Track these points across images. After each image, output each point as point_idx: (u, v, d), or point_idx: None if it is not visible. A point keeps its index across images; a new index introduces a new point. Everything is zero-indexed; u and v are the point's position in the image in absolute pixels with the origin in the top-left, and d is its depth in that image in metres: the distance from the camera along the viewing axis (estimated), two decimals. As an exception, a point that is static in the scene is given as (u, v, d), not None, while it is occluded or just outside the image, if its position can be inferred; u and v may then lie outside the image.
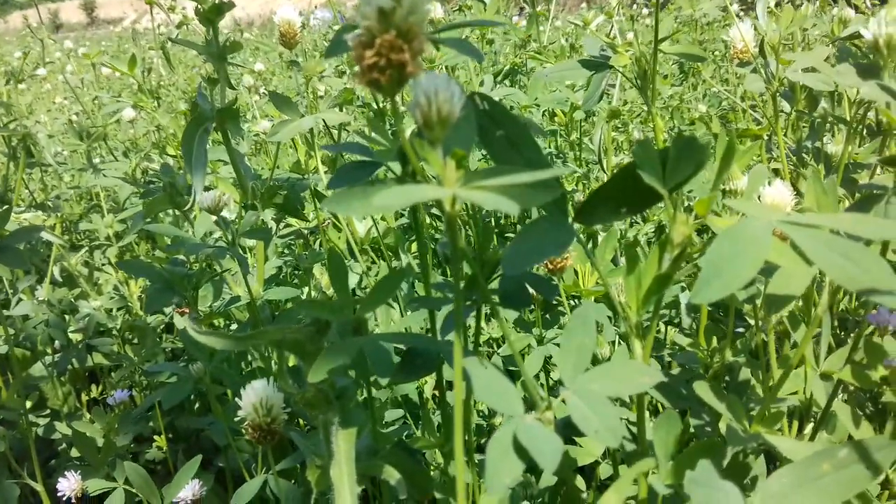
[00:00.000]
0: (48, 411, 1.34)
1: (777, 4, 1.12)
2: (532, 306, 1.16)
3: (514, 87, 1.74)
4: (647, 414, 0.95)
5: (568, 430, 0.52)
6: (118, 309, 1.54)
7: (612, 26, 2.06)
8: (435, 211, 1.46)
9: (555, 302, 1.22)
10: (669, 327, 1.22)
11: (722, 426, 0.65)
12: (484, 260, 0.59)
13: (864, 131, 1.06)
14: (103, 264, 1.79)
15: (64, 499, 1.00)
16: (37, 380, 1.31)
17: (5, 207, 0.96)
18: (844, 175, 0.96)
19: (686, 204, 0.74)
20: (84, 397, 1.46)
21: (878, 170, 0.99)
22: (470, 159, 1.66)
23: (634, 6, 4.17)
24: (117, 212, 1.89)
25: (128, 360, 1.39)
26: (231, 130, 0.90)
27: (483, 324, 1.24)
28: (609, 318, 1.10)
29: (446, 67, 1.45)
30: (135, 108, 1.90)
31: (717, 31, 3.07)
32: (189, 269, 1.05)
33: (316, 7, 2.98)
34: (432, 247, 1.19)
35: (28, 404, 1.30)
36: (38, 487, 0.99)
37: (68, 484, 1.00)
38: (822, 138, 1.12)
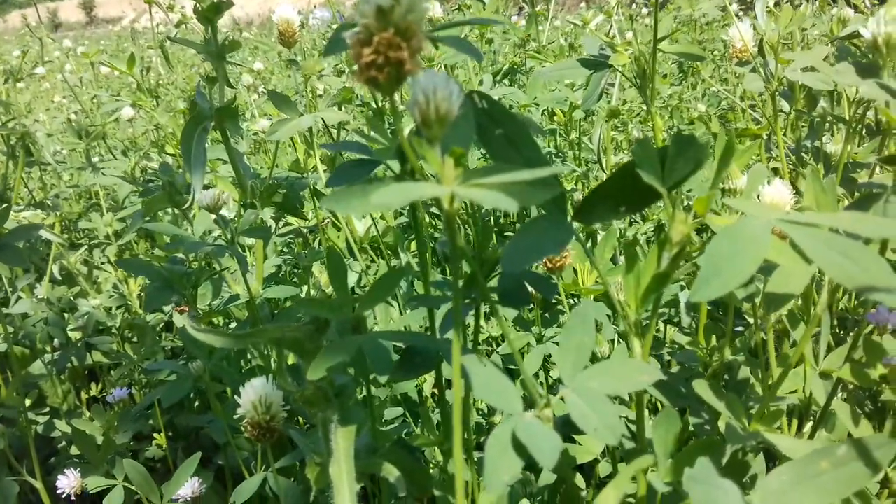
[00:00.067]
0: (48, 409, 1.34)
1: (776, 4, 1.11)
2: (531, 305, 1.16)
3: (513, 87, 1.74)
4: (646, 412, 0.95)
5: (567, 429, 0.52)
6: (117, 307, 1.54)
7: (612, 26, 2.06)
8: (435, 210, 1.46)
9: (554, 301, 1.22)
10: (669, 326, 1.22)
11: (721, 424, 0.65)
12: (483, 258, 0.59)
13: (864, 131, 1.06)
14: (102, 263, 1.79)
15: (63, 496, 1.00)
16: (36, 378, 1.31)
17: (4, 206, 0.96)
18: (844, 174, 0.96)
19: (686, 203, 0.74)
20: (84, 395, 1.46)
21: (878, 169, 0.99)
22: (469, 158, 1.66)
23: (633, 6, 4.18)
24: (116, 210, 1.89)
25: (127, 359, 1.39)
26: (230, 129, 0.90)
27: (483, 322, 1.24)
28: (608, 316, 1.11)
29: (445, 66, 1.45)
30: (134, 106, 1.90)
31: (717, 30, 3.07)
32: (188, 267, 1.04)
33: (315, 6, 2.98)
34: (432, 245, 1.20)
35: (27, 402, 1.30)
36: (38, 485, 0.99)
37: (68, 481, 1.00)
38: (821, 137, 1.12)
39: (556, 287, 0.99)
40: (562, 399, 0.46)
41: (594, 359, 0.98)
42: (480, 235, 0.62)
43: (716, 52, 2.89)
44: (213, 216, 0.93)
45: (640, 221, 1.55)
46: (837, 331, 0.92)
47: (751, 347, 0.82)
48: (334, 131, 1.42)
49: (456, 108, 0.38)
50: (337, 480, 0.50)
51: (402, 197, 0.35)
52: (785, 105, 1.14)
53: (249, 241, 1.37)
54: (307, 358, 0.51)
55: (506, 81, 1.95)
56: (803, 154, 1.18)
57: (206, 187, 0.94)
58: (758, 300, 0.67)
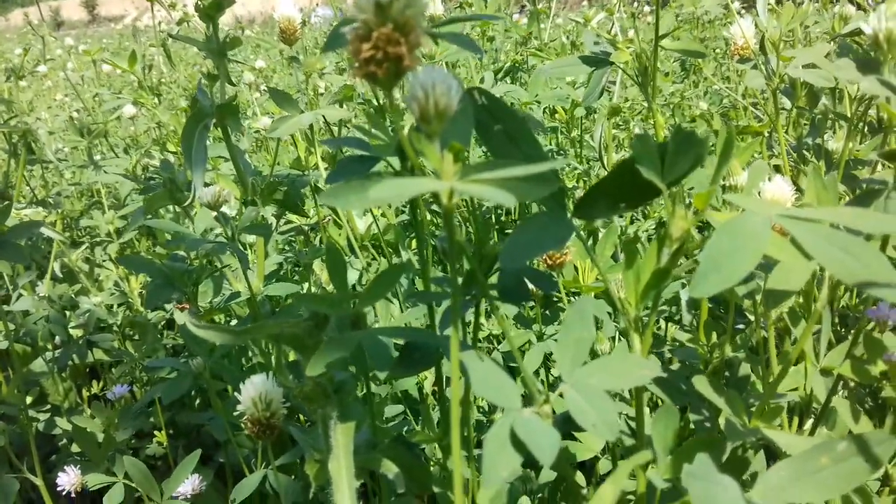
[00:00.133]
0: (49, 407, 1.34)
1: (778, 2, 1.11)
2: (532, 302, 1.16)
3: (514, 85, 1.74)
4: (646, 409, 0.95)
5: (567, 426, 0.52)
6: (119, 305, 1.54)
7: (614, 23, 2.05)
8: (435, 208, 1.46)
9: (555, 298, 1.22)
10: (670, 324, 1.22)
11: (721, 421, 0.65)
12: (483, 254, 0.59)
13: (865, 128, 1.06)
14: (104, 260, 1.79)
15: (63, 493, 1.00)
16: (37, 375, 1.31)
17: (6, 203, 0.96)
18: (845, 171, 0.96)
19: (687, 202, 0.74)
20: (85, 393, 1.46)
21: (879, 167, 0.99)
22: (470, 156, 1.66)
23: (636, 4, 4.17)
24: (118, 208, 1.89)
25: (128, 356, 1.39)
26: (231, 126, 0.90)
27: (483, 320, 1.24)
28: (609, 314, 1.10)
29: (446, 64, 1.44)
30: (135, 104, 1.91)
31: (719, 29, 3.06)
32: (189, 264, 1.04)
33: (317, 4, 2.98)
34: (432, 243, 1.19)
35: (28, 400, 1.30)
36: (38, 482, 0.99)
37: (68, 478, 1.00)
38: (822, 135, 1.12)
39: (556, 283, 0.99)
40: (560, 395, 0.46)
41: (595, 356, 0.98)
42: (480, 231, 0.62)
43: (718, 50, 2.88)
44: (214, 213, 0.93)
45: (642, 219, 1.55)
46: (838, 328, 0.92)
47: (751, 345, 0.82)
48: (335, 129, 1.42)
49: (455, 103, 0.38)
50: (336, 476, 0.50)
51: (401, 192, 0.35)
52: (786, 102, 1.14)
53: (250, 238, 1.37)
54: (306, 354, 0.50)
55: (507, 79, 1.95)
56: (805, 151, 1.17)
57: (206, 184, 0.94)
58: (759, 297, 0.67)
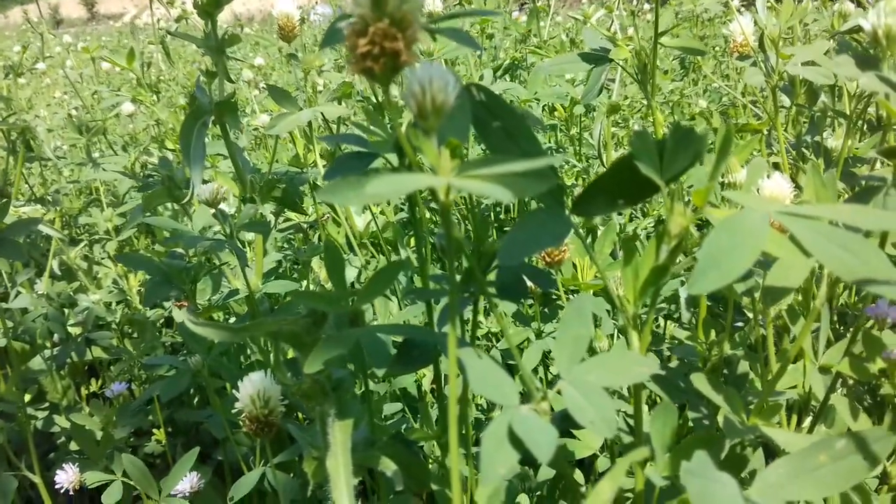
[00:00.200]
0: (47, 404, 1.34)
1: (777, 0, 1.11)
2: (531, 300, 1.16)
3: (514, 82, 1.74)
4: (645, 407, 0.95)
5: (565, 423, 0.52)
6: (117, 303, 1.54)
7: (613, 21, 2.05)
8: (435, 205, 1.46)
9: (554, 296, 1.22)
10: (669, 322, 1.22)
11: (720, 419, 0.65)
12: (481, 252, 0.59)
13: (865, 126, 1.06)
14: (102, 258, 1.79)
15: (62, 491, 1.00)
16: (36, 373, 1.31)
17: (4, 201, 0.96)
18: (844, 169, 0.95)
19: (686, 199, 0.74)
20: (83, 391, 1.46)
21: (878, 164, 0.99)
22: (470, 154, 1.66)
23: (635, 1, 4.17)
24: (117, 206, 1.89)
25: (127, 354, 1.39)
26: (229, 124, 0.89)
27: (482, 318, 1.24)
28: (608, 311, 1.10)
29: (445, 61, 1.44)
30: (134, 102, 1.90)
31: (718, 27, 3.06)
32: (188, 262, 1.04)
33: (316, 2, 2.98)
34: (431, 241, 1.19)
35: (27, 397, 1.30)
36: (37, 480, 0.99)
37: (66, 476, 1.00)
38: (821, 132, 1.12)
39: (555, 281, 0.99)
40: (558, 392, 0.46)
41: (593, 353, 0.97)
42: (478, 229, 0.61)
43: (717, 48, 2.88)
44: (213, 211, 0.93)
45: (641, 217, 1.55)
46: (837, 326, 0.92)
47: (750, 342, 0.82)
48: (334, 126, 1.41)
49: (452, 98, 0.38)
50: (334, 473, 0.50)
51: (397, 188, 0.34)
52: (786, 100, 1.14)
53: (249, 236, 1.37)
54: (305, 351, 0.50)
55: (507, 77, 1.95)
56: (804, 149, 1.17)
57: (205, 182, 0.94)
58: (757, 295, 0.67)
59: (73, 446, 1.22)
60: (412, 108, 0.38)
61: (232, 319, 1.38)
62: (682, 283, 1.11)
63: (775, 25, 0.96)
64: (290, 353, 0.99)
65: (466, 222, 1.44)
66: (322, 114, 1.13)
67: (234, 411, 0.69)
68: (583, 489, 1.00)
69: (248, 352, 1.31)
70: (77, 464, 1.02)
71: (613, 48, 0.94)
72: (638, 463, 0.52)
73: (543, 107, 2.02)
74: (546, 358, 1.18)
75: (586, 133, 1.92)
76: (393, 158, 0.58)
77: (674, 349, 0.89)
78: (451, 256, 0.42)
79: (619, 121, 2.08)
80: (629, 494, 0.74)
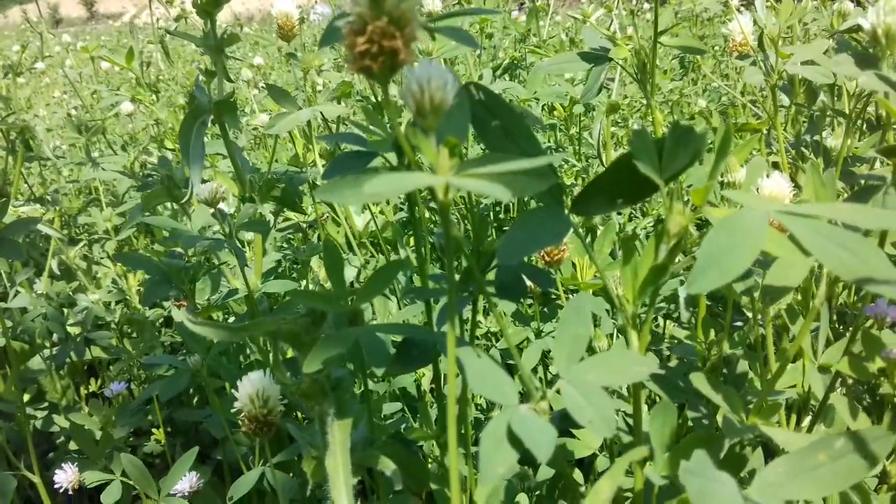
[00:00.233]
0: (46, 404, 1.34)
1: (777, -2, 1.11)
2: (530, 299, 1.16)
3: (513, 82, 1.74)
4: (644, 407, 0.95)
5: (565, 423, 0.52)
6: (116, 302, 1.54)
7: (612, 20, 2.05)
8: (434, 205, 1.46)
9: (553, 296, 1.22)
10: (668, 321, 1.22)
11: (719, 418, 0.65)
12: (480, 251, 0.59)
13: (864, 125, 1.06)
14: (102, 258, 1.78)
15: (61, 491, 1.00)
16: (35, 373, 1.31)
17: (3, 200, 0.96)
18: (843, 168, 0.95)
19: (685, 198, 0.74)
20: (83, 391, 1.46)
21: (878, 163, 0.99)
22: (469, 153, 1.66)
23: (635, 1, 4.16)
24: (116, 205, 1.88)
25: (126, 354, 1.39)
26: (229, 123, 0.89)
27: (481, 317, 1.24)
28: (607, 311, 1.10)
29: (444, 60, 1.44)
30: (133, 101, 1.90)
31: (718, 26, 3.06)
32: (187, 262, 1.04)
33: (316, 2, 2.98)
34: (430, 240, 1.19)
35: (26, 397, 1.30)
36: (36, 479, 0.99)
37: (65, 476, 1.00)
38: (821, 132, 1.12)
39: (554, 280, 0.99)
40: (557, 391, 0.46)
41: (592, 353, 0.97)
42: (478, 228, 0.61)
43: (716, 48, 2.88)
44: (212, 210, 0.93)
45: (640, 216, 1.55)
46: (836, 326, 0.92)
47: (749, 342, 0.81)
48: (334, 126, 1.41)
49: (450, 97, 0.38)
50: (333, 473, 0.50)
51: (396, 187, 0.34)
52: (785, 99, 1.14)
53: (248, 235, 1.37)
54: (304, 351, 0.50)
55: (506, 76, 1.95)
56: (803, 148, 1.17)
57: (204, 181, 0.94)
58: (757, 294, 0.67)
59: (73, 446, 1.22)
60: (411, 107, 0.37)
61: (231, 319, 1.37)
62: (682, 283, 1.11)
63: (775, 24, 0.96)
64: (290, 353, 0.99)
65: (466, 221, 1.44)
66: (321, 113, 1.13)
67: (233, 411, 0.69)
68: (582, 489, 1.00)
69: (248, 351, 1.31)
70: (76, 463, 1.02)
71: (613, 47, 0.94)
72: (637, 462, 0.52)
73: (543, 106, 2.02)
74: (545, 357, 1.18)
75: (585, 132, 1.91)
76: (392, 157, 0.58)
77: (673, 348, 0.89)
78: (450, 256, 0.42)
79: (619, 120, 2.08)
80: (628, 494, 0.74)
